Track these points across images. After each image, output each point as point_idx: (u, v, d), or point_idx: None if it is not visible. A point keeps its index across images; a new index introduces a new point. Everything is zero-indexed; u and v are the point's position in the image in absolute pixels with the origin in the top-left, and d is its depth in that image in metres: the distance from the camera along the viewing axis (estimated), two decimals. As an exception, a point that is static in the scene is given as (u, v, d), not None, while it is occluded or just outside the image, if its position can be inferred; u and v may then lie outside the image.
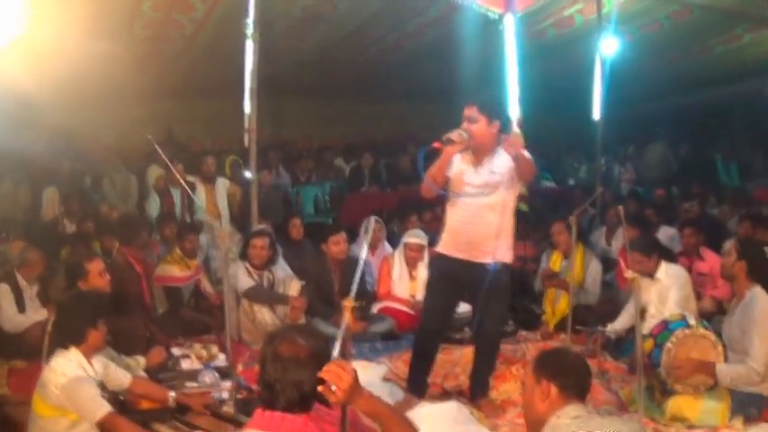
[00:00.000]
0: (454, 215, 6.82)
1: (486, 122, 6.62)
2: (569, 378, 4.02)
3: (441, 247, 6.98)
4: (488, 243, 6.69)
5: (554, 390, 4.00)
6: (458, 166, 6.74)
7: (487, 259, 6.70)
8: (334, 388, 3.47)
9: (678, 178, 18.83)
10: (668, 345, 6.62)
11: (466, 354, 7.86)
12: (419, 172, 6.73)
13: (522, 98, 12.10)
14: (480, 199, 6.66)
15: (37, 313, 8.45)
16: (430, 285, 7.21)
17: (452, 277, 6.91)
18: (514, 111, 12.01)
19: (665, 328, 6.83)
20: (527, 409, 4.24)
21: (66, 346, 5.52)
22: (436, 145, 6.45)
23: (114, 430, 5.32)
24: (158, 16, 11.60)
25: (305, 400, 3.66)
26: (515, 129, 6.49)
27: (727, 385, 6.48)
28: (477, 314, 6.97)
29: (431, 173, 6.64)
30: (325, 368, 3.52)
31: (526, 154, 6.61)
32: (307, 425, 3.61)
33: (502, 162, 6.70)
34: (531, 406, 4.15)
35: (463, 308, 8.23)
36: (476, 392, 7.16)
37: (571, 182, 18.92)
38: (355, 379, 3.56)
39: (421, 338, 7.29)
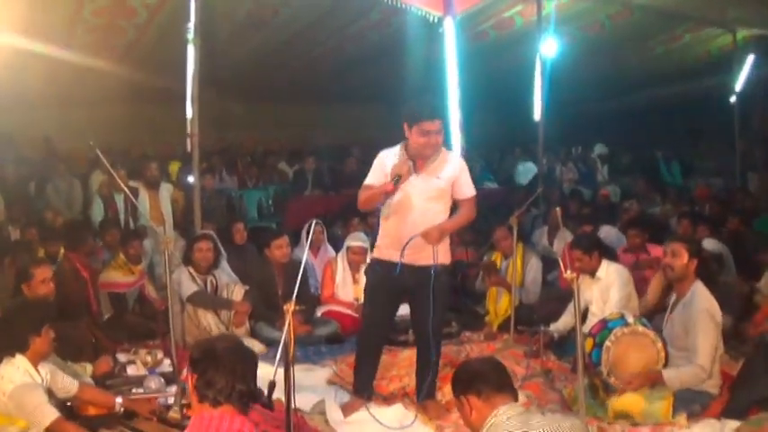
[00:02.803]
0: (394, 220, 6.79)
1: (441, 132, 6.66)
2: (481, 382, 4.08)
3: (379, 253, 6.98)
4: (430, 246, 6.68)
5: (474, 400, 4.07)
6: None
7: (429, 262, 6.73)
8: None
9: (621, 178, 19.03)
10: (607, 343, 6.69)
11: (410, 356, 7.83)
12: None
13: (464, 99, 12.16)
14: (423, 204, 6.66)
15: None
16: (370, 290, 7.17)
17: (393, 281, 6.87)
18: (455, 113, 12.08)
19: (605, 326, 6.90)
20: (467, 425, 4.30)
21: (11, 354, 5.53)
22: (390, 187, 6.42)
23: (63, 436, 5.35)
24: (100, 22, 11.59)
25: (246, 396, 3.71)
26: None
27: (677, 389, 6.54)
28: (417, 316, 6.96)
29: (372, 197, 6.67)
30: None
31: (440, 230, 6.71)
32: (245, 424, 3.65)
33: (447, 169, 6.75)
34: (470, 424, 4.22)
35: (406, 310, 8.27)
36: (422, 394, 7.15)
37: (515, 181, 18.98)
38: None
39: (363, 342, 7.30)
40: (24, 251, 9.80)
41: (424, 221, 6.64)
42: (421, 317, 6.82)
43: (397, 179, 6.41)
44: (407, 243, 6.58)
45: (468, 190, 6.89)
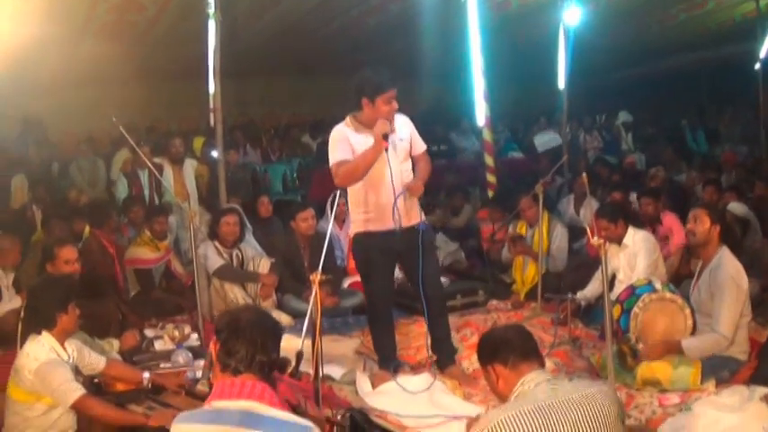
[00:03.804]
0: (372, 190, 6.84)
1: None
2: (506, 350, 4.03)
3: (365, 226, 6.99)
4: (411, 206, 6.89)
5: (500, 368, 4.03)
6: (365, 142, 6.73)
7: (413, 222, 6.90)
8: None
9: (645, 146, 18.92)
10: (635, 310, 6.68)
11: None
12: None
13: (488, 70, 12.12)
14: (397, 168, 6.70)
15: (12, 301, 8.39)
16: (367, 265, 7.15)
17: (386, 250, 6.97)
18: (479, 83, 12.04)
19: (632, 293, 6.89)
20: (496, 394, 4.27)
21: (38, 331, 5.53)
22: (384, 144, 6.48)
23: (88, 413, 5.36)
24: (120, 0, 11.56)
25: (267, 366, 3.71)
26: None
27: (697, 358, 6.51)
28: (415, 275, 6.89)
29: (358, 167, 6.65)
30: None
31: (422, 180, 6.92)
32: (267, 390, 3.65)
33: (404, 130, 6.95)
34: (495, 391, 4.20)
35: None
36: (443, 359, 7.22)
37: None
38: None
39: (374, 318, 7.34)
40: (56, 228, 9.81)
41: (400, 184, 6.74)
42: (419, 275, 6.83)
43: (386, 136, 6.46)
44: (394, 206, 6.69)
45: (421, 144, 7.15)
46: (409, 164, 6.95)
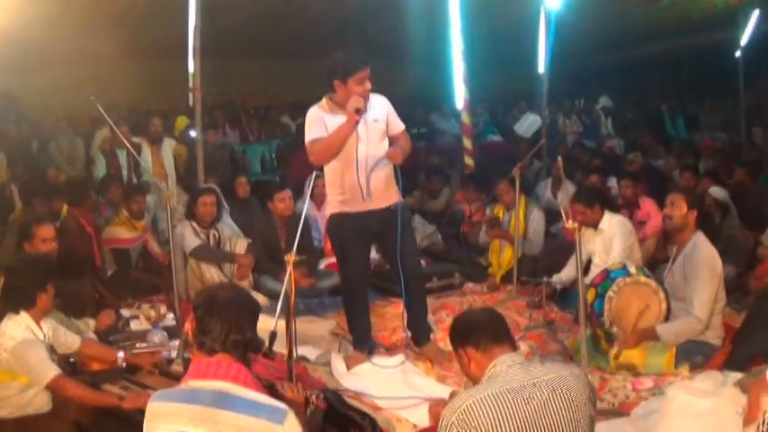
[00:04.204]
0: (347, 172, 6.85)
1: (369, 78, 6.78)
2: (478, 334, 4.06)
3: (341, 207, 7.00)
4: (388, 187, 6.91)
5: (472, 351, 4.05)
6: (339, 122, 6.71)
7: (390, 202, 6.93)
8: None
9: (625, 131, 19.00)
10: (609, 294, 6.71)
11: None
12: None
13: (468, 53, 12.14)
14: (371, 149, 6.77)
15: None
16: (343, 246, 7.16)
17: (360, 230, 7.00)
18: (459, 66, 12.06)
19: (607, 277, 6.93)
20: (467, 376, 4.30)
21: (16, 311, 5.53)
22: (357, 117, 6.50)
23: (63, 392, 5.36)
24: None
25: (242, 345, 3.72)
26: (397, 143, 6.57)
27: (673, 343, 6.56)
28: (394, 255, 6.96)
29: (333, 144, 6.66)
30: None
31: (401, 149, 6.89)
32: (242, 371, 3.66)
33: (379, 109, 6.93)
34: (467, 373, 4.22)
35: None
36: (420, 337, 7.29)
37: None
38: None
39: (350, 299, 7.35)
40: (36, 205, 9.79)
41: (373, 164, 6.79)
42: (398, 254, 6.88)
43: (358, 110, 6.48)
44: (358, 182, 6.80)
45: (399, 123, 7.12)
46: (385, 144, 6.93)
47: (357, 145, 6.69)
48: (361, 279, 7.29)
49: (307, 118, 6.90)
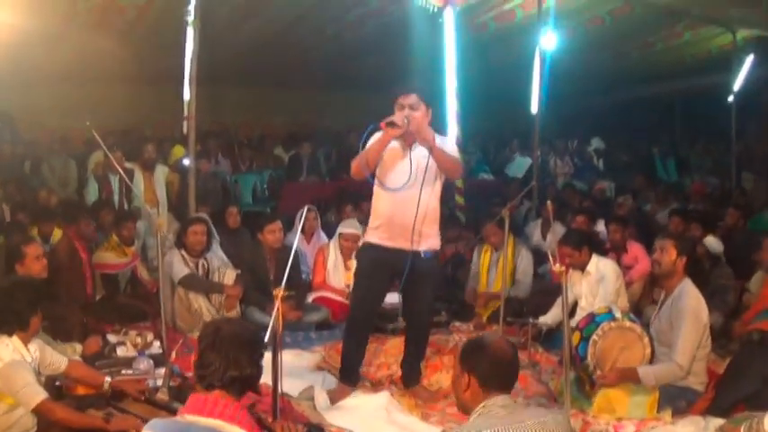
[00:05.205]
0: (386, 203, 6.83)
1: (425, 110, 6.70)
2: (489, 372, 4.05)
3: (371, 237, 6.99)
4: (421, 230, 6.79)
5: (474, 383, 4.06)
6: (389, 152, 6.75)
7: (420, 247, 6.83)
8: None
9: (616, 173, 19.06)
10: (594, 337, 6.70)
11: (398, 344, 7.84)
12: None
13: (462, 90, 12.20)
14: (412, 186, 6.67)
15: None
16: (360, 275, 7.17)
17: (384, 266, 6.97)
18: (452, 103, 12.11)
19: (592, 320, 6.91)
20: (455, 393, 4.32)
21: (9, 334, 5.54)
22: (381, 125, 6.49)
23: (50, 416, 5.37)
24: (101, 0, 11.58)
25: (239, 382, 3.73)
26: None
27: (653, 386, 6.56)
28: (412, 302, 7.05)
29: (366, 154, 6.64)
30: None
31: (449, 150, 6.79)
32: (238, 410, 3.68)
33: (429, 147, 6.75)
34: (457, 392, 4.24)
35: (393, 298, 8.33)
36: (410, 380, 7.30)
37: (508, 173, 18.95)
38: None
39: (352, 328, 7.32)
40: (17, 230, 9.77)
41: (413, 205, 6.70)
42: (415, 303, 6.97)
43: (391, 123, 6.47)
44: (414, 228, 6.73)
45: (452, 149, 6.96)
46: (429, 183, 6.82)
47: (397, 179, 6.70)
48: (370, 311, 7.29)
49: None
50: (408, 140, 6.75)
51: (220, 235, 10.74)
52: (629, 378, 6.60)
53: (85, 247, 9.56)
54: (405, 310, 7.32)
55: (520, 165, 18.51)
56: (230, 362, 3.69)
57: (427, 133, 6.58)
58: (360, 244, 7.52)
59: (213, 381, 3.68)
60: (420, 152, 6.74)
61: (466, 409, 4.16)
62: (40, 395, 5.32)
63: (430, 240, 6.92)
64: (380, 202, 6.90)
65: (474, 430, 3.87)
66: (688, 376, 6.64)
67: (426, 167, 6.72)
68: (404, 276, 6.95)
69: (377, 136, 6.73)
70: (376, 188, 6.90)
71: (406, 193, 6.68)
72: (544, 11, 13.01)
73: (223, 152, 16.26)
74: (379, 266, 7.00)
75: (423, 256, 6.84)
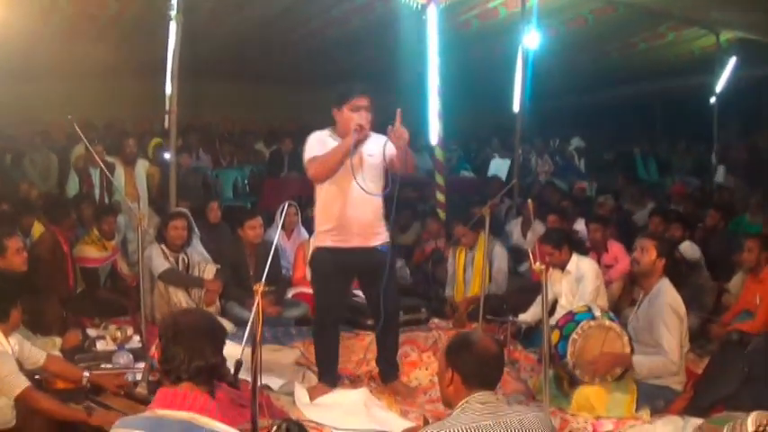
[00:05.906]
0: (337, 204, 6.85)
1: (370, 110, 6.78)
2: (473, 370, 4.06)
3: (324, 241, 6.99)
4: (375, 226, 6.94)
5: (458, 379, 4.07)
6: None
7: (376, 242, 6.94)
8: None
9: (597, 172, 19.09)
10: (574, 336, 6.69)
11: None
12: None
13: (444, 88, 12.18)
14: (362, 183, 6.68)
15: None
16: (320, 282, 7.20)
17: (343, 269, 7.01)
18: (434, 101, 12.10)
19: (572, 319, 6.90)
20: (440, 387, 4.33)
21: (-10, 326, 5.55)
22: (356, 128, 6.52)
23: (33, 404, 5.36)
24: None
25: (206, 372, 3.72)
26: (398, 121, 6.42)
27: (644, 377, 6.61)
28: (373, 299, 7.02)
29: (330, 159, 6.63)
30: None
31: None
32: (208, 402, 3.66)
33: (375, 146, 6.82)
34: (441, 387, 4.25)
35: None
36: (388, 375, 7.32)
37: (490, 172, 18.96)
38: None
39: (321, 333, 7.30)
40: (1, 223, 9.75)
41: (365, 204, 6.82)
42: (378, 297, 6.89)
43: (360, 127, 6.55)
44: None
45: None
46: (379, 182, 6.90)
47: (352, 179, 6.65)
48: (336, 314, 7.30)
49: (308, 139, 6.93)
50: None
51: (201, 230, 10.70)
52: (621, 364, 6.60)
53: (68, 240, 9.53)
54: (370, 306, 7.28)
55: (498, 167, 18.51)
56: (194, 352, 3.67)
57: (404, 132, 6.56)
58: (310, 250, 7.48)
59: (180, 373, 3.66)
60: (366, 150, 6.82)
61: (449, 404, 4.19)
62: (23, 384, 5.32)
63: (382, 235, 7.02)
64: (330, 204, 6.92)
65: (450, 422, 3.90)
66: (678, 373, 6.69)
67: (373, 165, 6.84)
68: (364, 275, 7.13)
69: (321, 139, 6.86)
70: (323, 191, 6.95)
71: (358, 192, 6.70)
72: (527, 10, 13.01)
73: (204, 147, 16.25)
74: (338, 270, 7.02)
75: (380, 249, 6.93)
